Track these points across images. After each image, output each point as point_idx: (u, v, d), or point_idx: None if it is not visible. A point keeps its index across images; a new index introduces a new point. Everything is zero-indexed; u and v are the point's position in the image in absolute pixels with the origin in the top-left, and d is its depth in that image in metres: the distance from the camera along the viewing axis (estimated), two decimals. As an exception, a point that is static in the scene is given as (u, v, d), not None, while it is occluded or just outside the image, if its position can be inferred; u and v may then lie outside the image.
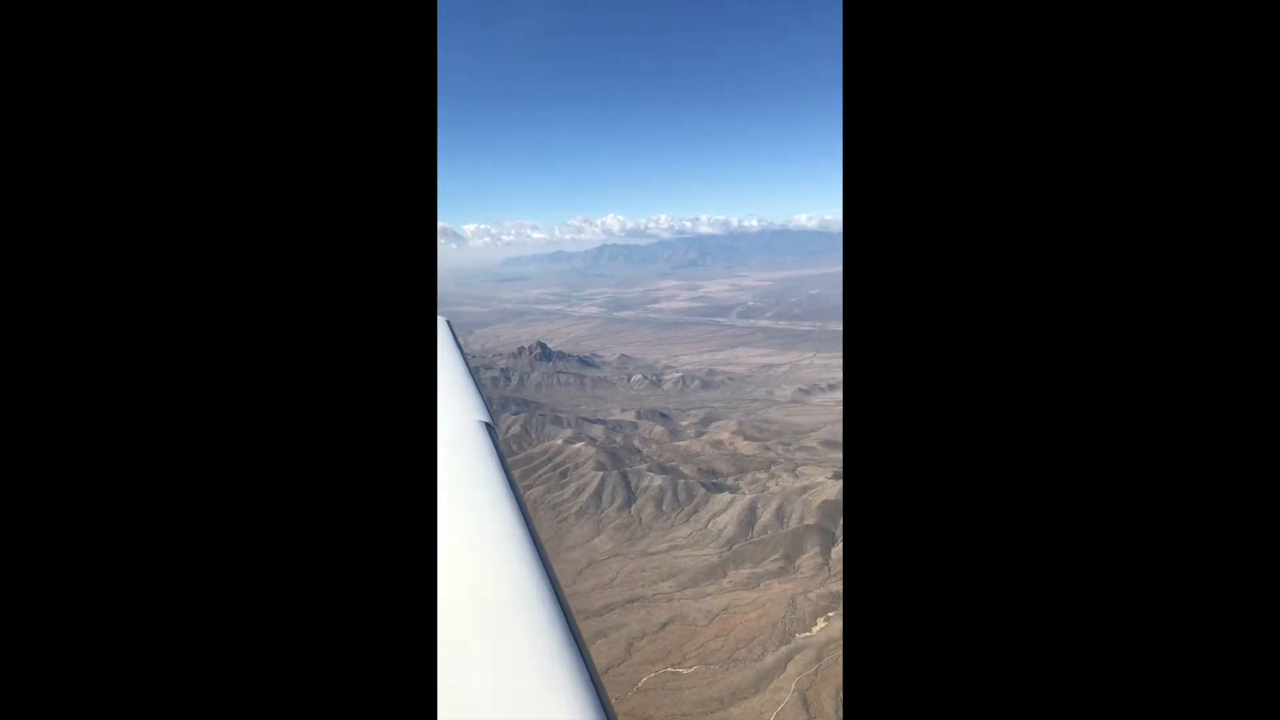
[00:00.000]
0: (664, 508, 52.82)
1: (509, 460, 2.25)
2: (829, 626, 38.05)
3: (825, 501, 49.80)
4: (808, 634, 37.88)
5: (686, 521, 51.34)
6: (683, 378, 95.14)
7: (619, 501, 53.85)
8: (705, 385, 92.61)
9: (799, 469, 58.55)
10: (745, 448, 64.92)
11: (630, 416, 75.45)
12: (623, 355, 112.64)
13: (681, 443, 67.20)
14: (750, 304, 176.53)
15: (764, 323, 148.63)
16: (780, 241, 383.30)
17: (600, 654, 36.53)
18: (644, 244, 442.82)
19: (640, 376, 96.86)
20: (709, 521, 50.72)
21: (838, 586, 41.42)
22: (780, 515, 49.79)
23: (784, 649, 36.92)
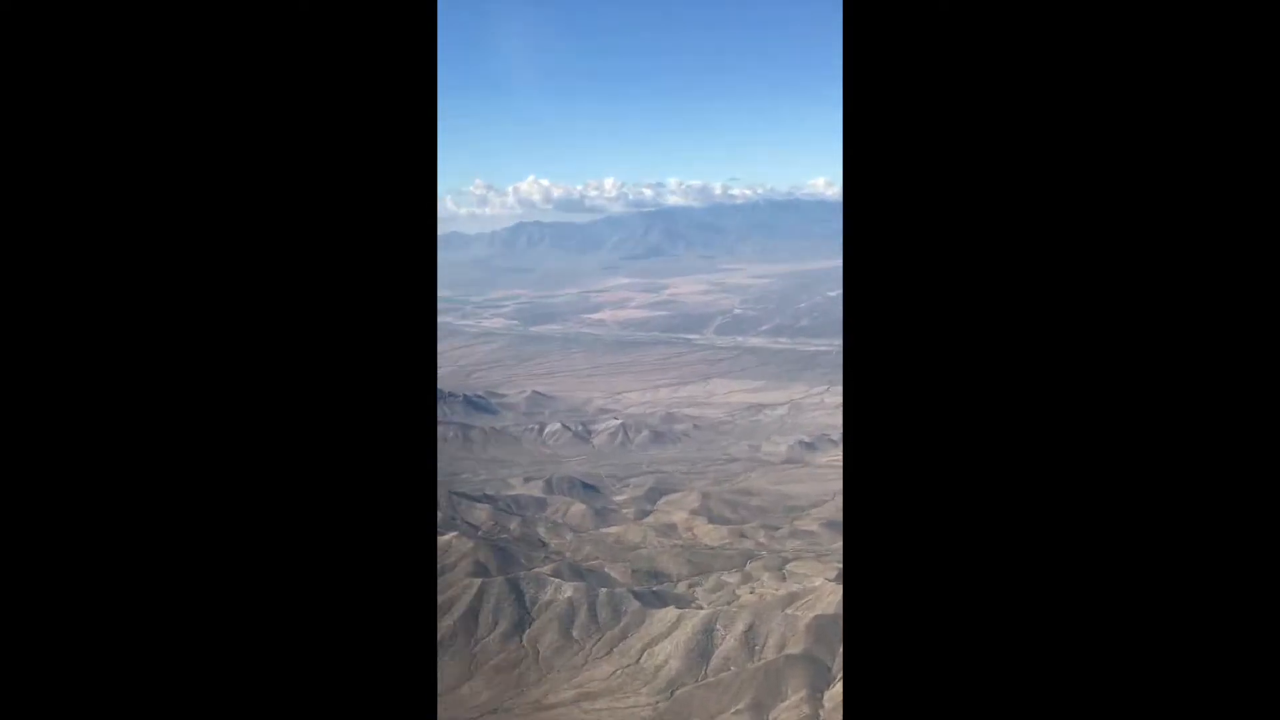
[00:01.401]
0: (575, 633, 51.61)
1: None
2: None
3: (819, 617, 49.35)
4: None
5: (608, 654, 50.20)
6: (624, 427, 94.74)
7: (505, 625, 52.42)
8: (658, 438, 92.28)
9: (787, 566, 58.21)
10: (709, 535, 64.42)
11: (536, 489, 74.41)
12: (535, 393, 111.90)
13: (612, 529, 66.35)
14: (738, 312, 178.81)
15: (756, 340, 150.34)
16: (786, 218, 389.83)
17: None
18: (582, 221, 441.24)
19: (559, 426, 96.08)
20: (642, 653, 49.68)
21: (830, 752, 40.66)
22: (750, 640, 49.06)
23: None
